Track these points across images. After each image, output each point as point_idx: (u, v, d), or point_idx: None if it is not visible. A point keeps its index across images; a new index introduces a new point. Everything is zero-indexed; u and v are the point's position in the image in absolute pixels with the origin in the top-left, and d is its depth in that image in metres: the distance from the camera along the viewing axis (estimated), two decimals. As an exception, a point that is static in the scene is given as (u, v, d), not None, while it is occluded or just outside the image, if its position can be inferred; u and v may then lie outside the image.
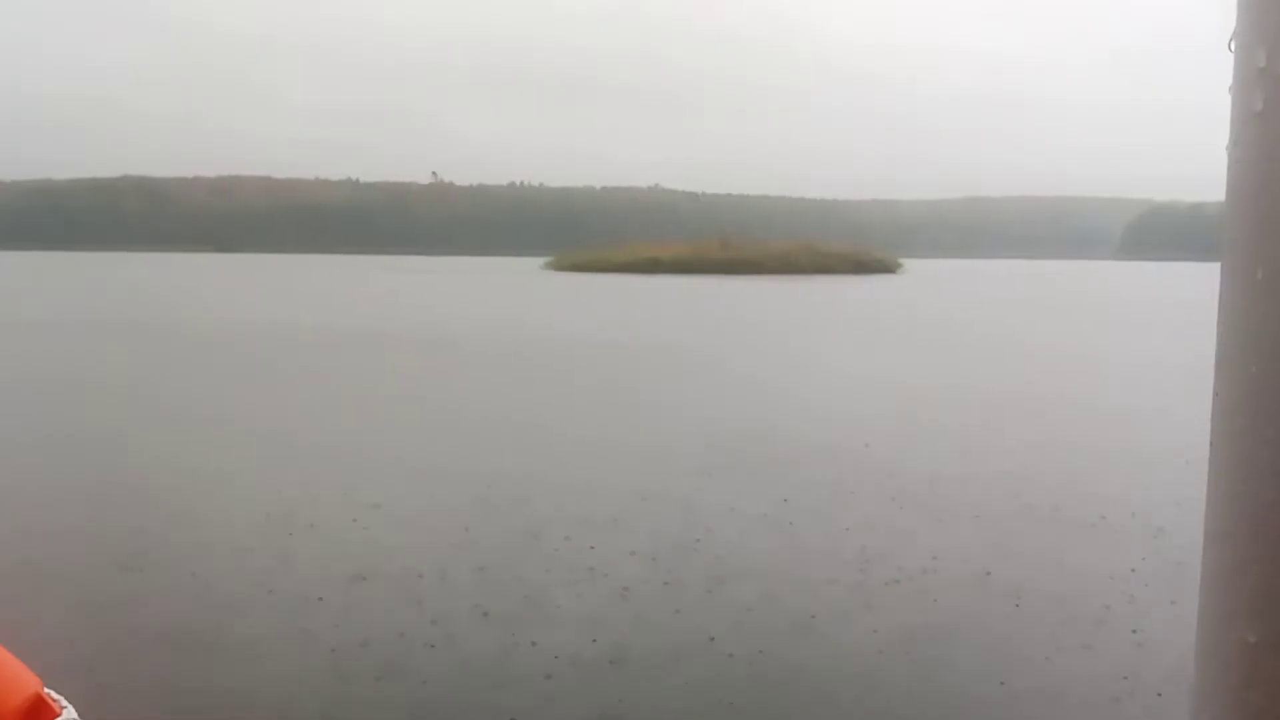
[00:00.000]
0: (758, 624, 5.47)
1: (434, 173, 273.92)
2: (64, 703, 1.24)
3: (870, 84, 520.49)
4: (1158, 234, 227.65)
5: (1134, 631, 5.43)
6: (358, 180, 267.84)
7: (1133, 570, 6.33)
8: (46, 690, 1.16)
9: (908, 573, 6.28)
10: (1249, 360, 0.53)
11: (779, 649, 5.14)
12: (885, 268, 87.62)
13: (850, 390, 15.16)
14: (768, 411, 12.65)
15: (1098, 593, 5.99)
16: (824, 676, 4.85)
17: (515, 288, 53.30)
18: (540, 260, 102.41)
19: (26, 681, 1.17)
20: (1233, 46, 0.54)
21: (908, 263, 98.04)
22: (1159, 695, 4.65)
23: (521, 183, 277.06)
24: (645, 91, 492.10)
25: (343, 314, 31.98)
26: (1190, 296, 49.52)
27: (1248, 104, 0.53)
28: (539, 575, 6.15)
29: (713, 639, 5.20)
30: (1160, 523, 7.48)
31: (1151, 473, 9.45)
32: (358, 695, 4.61)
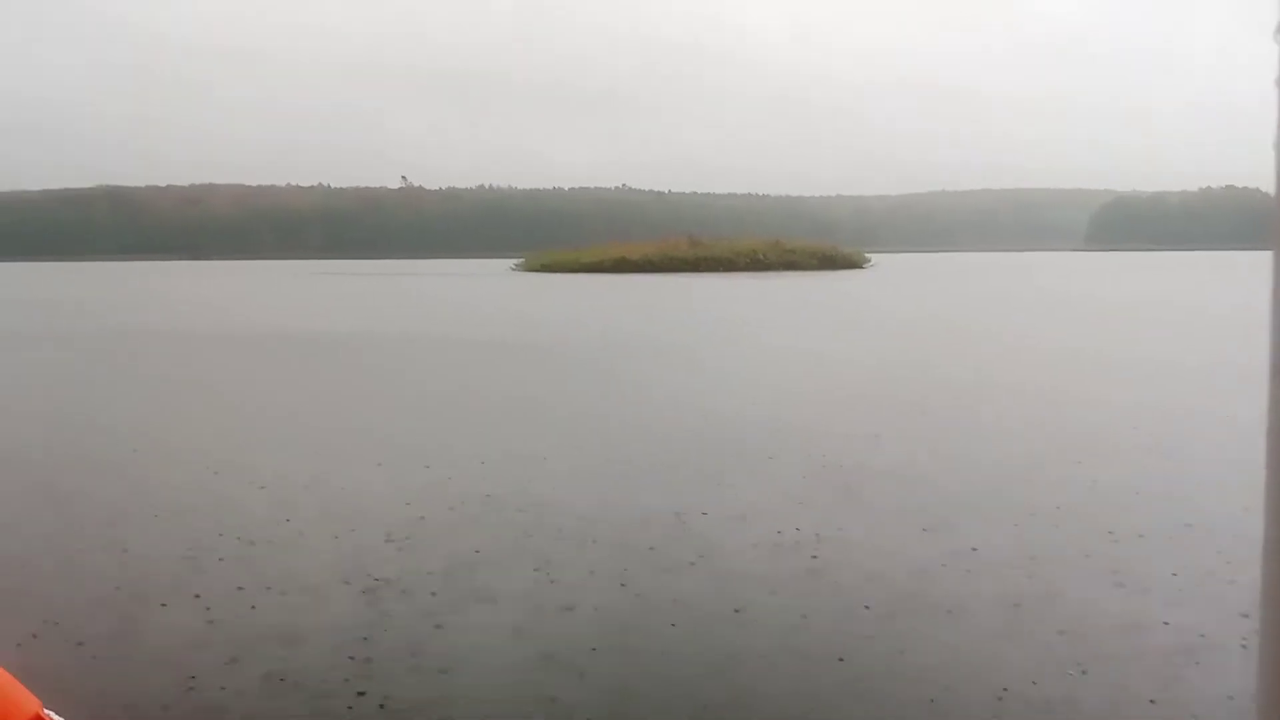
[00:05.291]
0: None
1: (404, 177, 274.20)
2: None
3: (829, 84, 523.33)
4: (1122, 224, 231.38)
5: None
6: (329, 186, 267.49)
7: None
8: (46, 711, 1.34)
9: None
10: None
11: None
12: (853, 263, 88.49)
13: (798, 378, 16.69)
14: (716, 400, 14.15)
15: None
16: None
17: (487, 289, 54.61)
18: (510, 261, 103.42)
19: (27, 702, 1.22)
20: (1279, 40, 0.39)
21: (875, 257, 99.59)
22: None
23: (490, 185, 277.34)
24: (609, 94, 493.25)
25: (324, 318, 33.24)
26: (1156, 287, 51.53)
27: None
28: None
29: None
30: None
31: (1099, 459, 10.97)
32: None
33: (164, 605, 5.83)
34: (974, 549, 6.72)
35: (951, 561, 6.46)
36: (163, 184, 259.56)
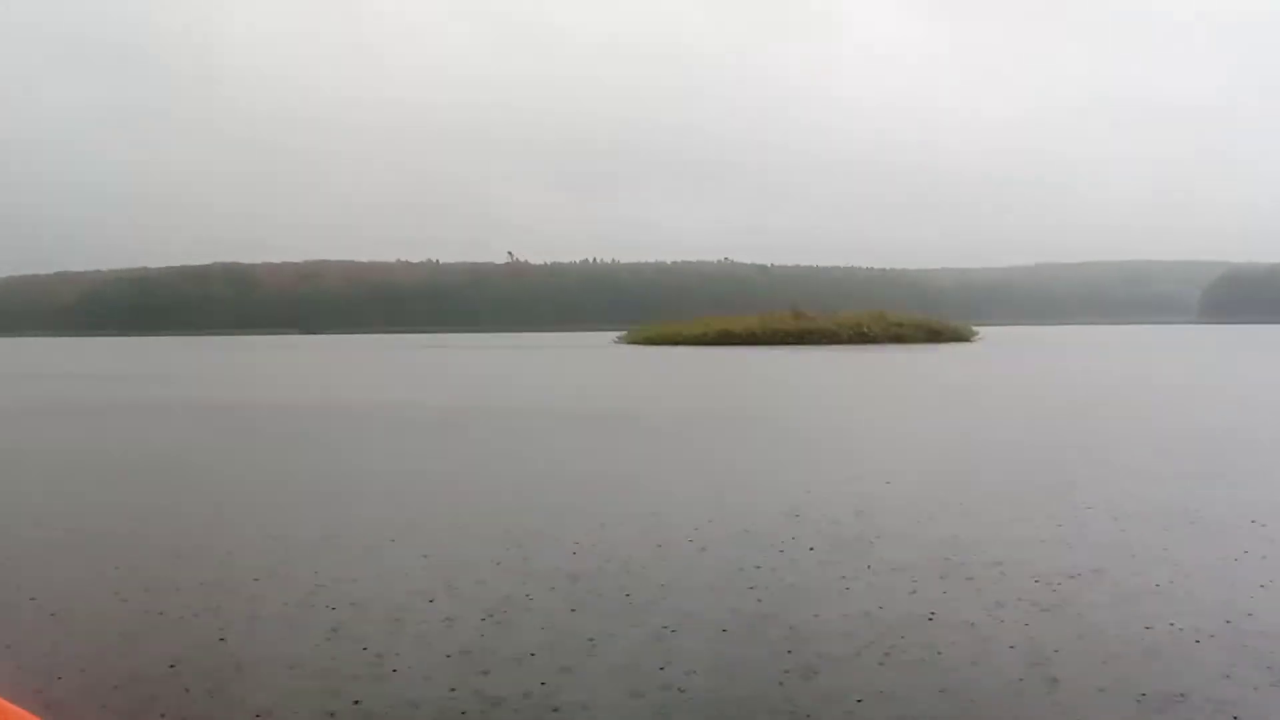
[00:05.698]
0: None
1: (509, 252, 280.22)
2: None
3: (933, 155, 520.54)
4: (1237, 296, 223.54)
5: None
6: (437, 261, 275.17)
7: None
8: None
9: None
10: None
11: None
12: (960, 335, 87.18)
13: (889, 456, 16.34)
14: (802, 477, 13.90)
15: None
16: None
17: (592, 361, 55.13)
18: (614, 334, 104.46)
19: None
20: None
21: (982, 329, 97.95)
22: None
23: (594, 259, 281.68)
24: (712, 165, 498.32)
25: (426, 391, 33.82)
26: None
27: None
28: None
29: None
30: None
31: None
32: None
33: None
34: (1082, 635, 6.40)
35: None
36: (277, 260, 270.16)
